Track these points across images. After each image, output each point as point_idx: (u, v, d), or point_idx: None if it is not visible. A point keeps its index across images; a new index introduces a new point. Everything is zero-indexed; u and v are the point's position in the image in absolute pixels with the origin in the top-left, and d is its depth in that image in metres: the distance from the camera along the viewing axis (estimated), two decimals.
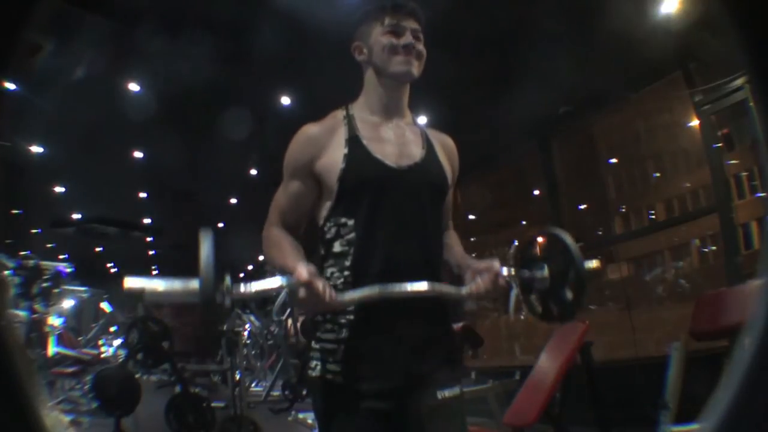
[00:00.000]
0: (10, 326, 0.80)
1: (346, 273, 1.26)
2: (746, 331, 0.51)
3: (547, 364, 3.18)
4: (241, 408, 4.46)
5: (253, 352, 8.17)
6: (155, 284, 1.06)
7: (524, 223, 6.74)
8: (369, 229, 1.26)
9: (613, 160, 5.72)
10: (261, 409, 6.12)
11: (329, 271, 1.30)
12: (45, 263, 6.06)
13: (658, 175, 5.31)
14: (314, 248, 1.39)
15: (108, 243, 11.77)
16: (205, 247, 1.08)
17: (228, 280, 1.09)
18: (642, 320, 4.58)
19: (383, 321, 1.22)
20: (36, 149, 6.63)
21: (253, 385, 7.92)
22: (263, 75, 4.99)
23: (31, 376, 0.51)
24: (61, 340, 6.15)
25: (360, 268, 1.25)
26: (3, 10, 0.48)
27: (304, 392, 6.12)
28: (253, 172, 7.90)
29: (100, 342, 7.77)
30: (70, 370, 5.64)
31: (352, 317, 1.25)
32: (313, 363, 1.29)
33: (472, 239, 7.17)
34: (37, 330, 5.73)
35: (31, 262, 5.75)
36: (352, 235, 1.27)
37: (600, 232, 5.92)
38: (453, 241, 1.45)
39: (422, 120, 4.44)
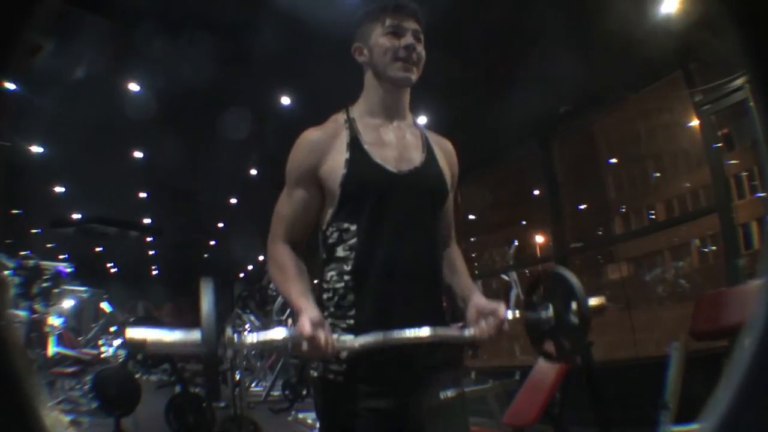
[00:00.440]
0: (10, 326, 0.80)
1: (347, 278, 1.27)
2: (746, 331, 0.51)
3: (547, 364, 3.16)
4: (241, 408, 4.46)
5: (253, 352, 8.16)
6: (158, 335, 1.08)
7: (524, 222, 6.74)
8: (371, 235, 1.27)
9: (613, 160, 5.72)
10: (261, 409, 6.13)
11: (330, 274, 1.30)
12: (45, 263, 6.06)
13: (658, 175, 5.32)
14: (315, 251, 1.39)
15: (108, 243, 11.77)
16: (207, 298, 1.08)
17: (229, 331, 1.10)
18: (642, 320, 4.58)
19: (384, 322, 1.22)
20: (36, 149, 6.63)
21: (253, 385, 7.92)
22: (263, 75, 4.98)
23: (31, 376, 0.51)
24: (61, 340, 6.14)
25: (361, 273, 1.26)
26: (3, 10, 0.48)
27: (304, 392, 6.13)
28: (253, 172, 7.89)
29: (100, 342, 7.74)
30: (70, 370, 5.65)
31: (353, 319, 1.25)
32: (315, 363, 1.29)
33: (472, 239, 7.17)
34: (37, 330, 5.73)
35: (31, 262, 5.75)
36: (354, 241, 1.28)
37: (600, 232, 5.92)
38: (458, 263, 1.44)
39: (422, 120, 4.44)
